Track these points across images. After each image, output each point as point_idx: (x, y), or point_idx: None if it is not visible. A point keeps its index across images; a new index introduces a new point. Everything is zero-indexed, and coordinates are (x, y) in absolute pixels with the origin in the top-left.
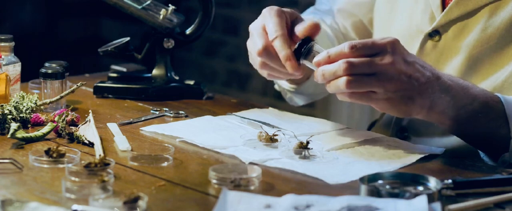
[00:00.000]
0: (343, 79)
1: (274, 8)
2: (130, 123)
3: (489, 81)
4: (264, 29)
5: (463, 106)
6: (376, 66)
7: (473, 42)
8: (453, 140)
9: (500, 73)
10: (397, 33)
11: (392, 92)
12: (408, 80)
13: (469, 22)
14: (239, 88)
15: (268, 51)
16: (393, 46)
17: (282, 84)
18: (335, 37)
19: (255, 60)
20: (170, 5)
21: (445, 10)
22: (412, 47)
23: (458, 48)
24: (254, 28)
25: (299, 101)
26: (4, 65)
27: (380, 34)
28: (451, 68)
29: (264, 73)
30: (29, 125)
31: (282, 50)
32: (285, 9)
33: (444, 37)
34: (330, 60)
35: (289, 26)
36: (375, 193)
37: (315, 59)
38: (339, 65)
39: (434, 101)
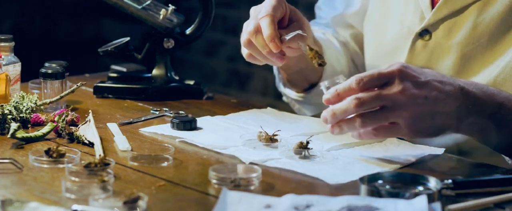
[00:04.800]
0: (358, 119)
1: None
2: (130, 123)
3: (481, 78)
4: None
5: (491, 115)
6: (386, 97)
7: (464, 40)
8: (451, 140)
9: (491, 69)
10: (390, 37)
11: (410, 118)
12: (424, 101)
13: (458, 20)
14: (239, 88)
15: (257, 30)
16: (401, 72)
17: (290, 94)
18: (341, 46)
19: (243, 36)
20: (170, 5)
21: (434, 9)
22: (403, 48)
23: (449, 47)
24: (253, 8)
25: (308, 111)
26: (4, 65)
27: (373, 40)
28: (443, 67)
29: (244, 51)
30: (29, 125)
31: (266, 29)
32: (288, 4)
33: (435, 36)
34: (340, 97)
35: (286, 17)
36: (375, 193)
37: (324, 97)
38: (349, 103)
39: (460, 113)
